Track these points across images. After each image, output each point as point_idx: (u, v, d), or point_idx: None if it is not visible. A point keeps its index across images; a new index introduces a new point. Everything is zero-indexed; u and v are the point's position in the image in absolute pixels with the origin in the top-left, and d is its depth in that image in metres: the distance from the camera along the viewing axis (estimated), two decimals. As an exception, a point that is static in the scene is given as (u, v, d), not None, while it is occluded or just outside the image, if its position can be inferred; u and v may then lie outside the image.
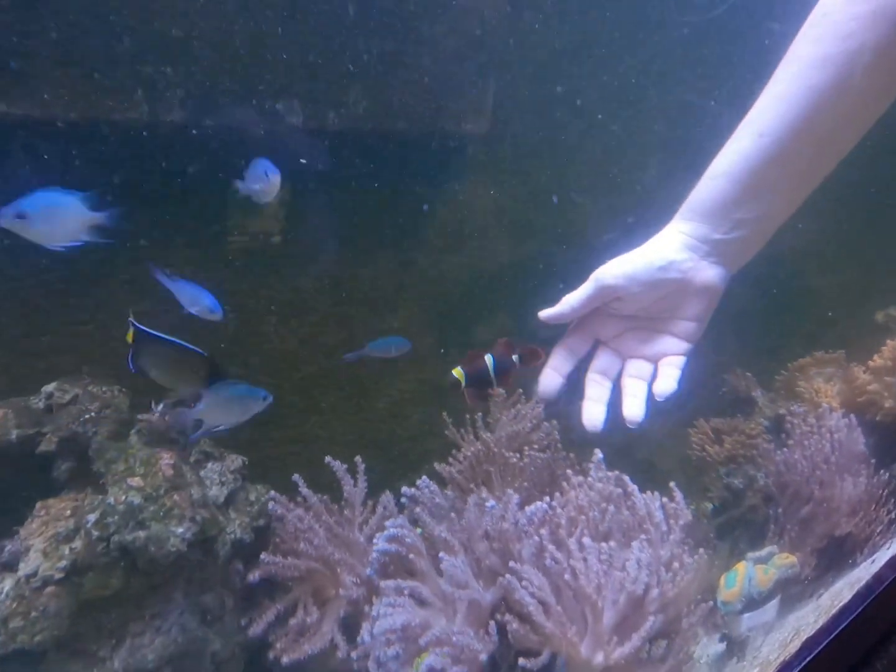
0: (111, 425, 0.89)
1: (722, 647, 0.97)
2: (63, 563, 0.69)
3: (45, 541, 0.71)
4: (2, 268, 1.06)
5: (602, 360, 0.57)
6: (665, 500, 0.90)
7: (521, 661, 0.76)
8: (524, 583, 0.82)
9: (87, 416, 0.89)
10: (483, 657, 0.76)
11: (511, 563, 0.84)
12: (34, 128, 0.96)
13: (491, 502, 0.94)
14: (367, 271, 1.41)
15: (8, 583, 0.73)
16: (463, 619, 0.85)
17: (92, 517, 0.71)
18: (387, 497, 1.05)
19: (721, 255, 0.53)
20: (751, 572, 0.95)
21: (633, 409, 0.53)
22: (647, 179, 1.42)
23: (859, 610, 0.45)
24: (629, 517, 0.90)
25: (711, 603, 0.90)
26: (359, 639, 0.81)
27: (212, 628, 0.78)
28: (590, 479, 0.99)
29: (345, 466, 1.03)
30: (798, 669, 0.44)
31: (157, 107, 1.04)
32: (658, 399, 0.54)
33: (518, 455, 1.13)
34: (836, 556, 1.02)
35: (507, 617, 0.81)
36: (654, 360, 0.56)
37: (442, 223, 1.47)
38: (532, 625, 0.79)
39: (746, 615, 0.95)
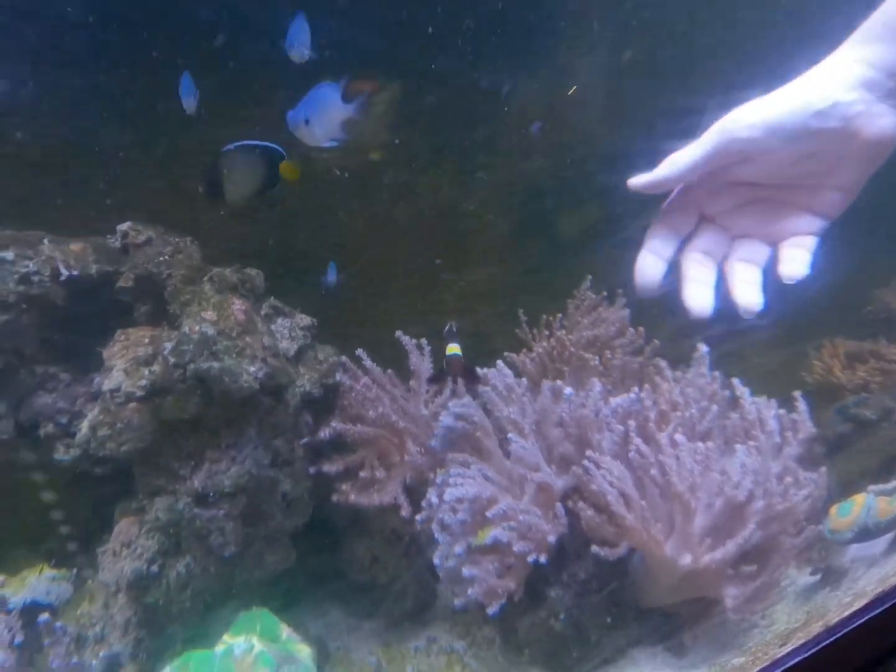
0: (184, 270, 0.87)
1: (813, 579, 0.87)
2: (143, 381, 0.70)
3: (126, 362, 0.72)
4: (85, 125, 1.02)
5: (705, 238, 0.42)
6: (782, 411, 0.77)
7: (594, 548, 0.71)
8: (602, 471, 0.74)
9: (161, 259, 0.87)
10: (551, 538, 0.71)
11: (588, 452, 0.76)
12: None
13: (568, 390, 0.85)
14: (441, 144, 1.25)
15: (98, 405, 0.76)
16: (530, 501, 0.80)
17: (169, 345, 0.70)
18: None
19: None
20: (871, 502, 0.82)
21: (749, 295, 0.39)
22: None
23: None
24: (736, 422, 0.78)
25: (821, 527, 0.79)
26: (424, 502, 0.79)
27: (282, 471, 0.79)
28: (689, 374, 0.87)
29: (414, 341, 0.98)
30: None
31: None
32: (786, 282, 0.39)
33: (598, 358, 1.01)
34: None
35: (581, 504, 0.75)
36: (773, 242, 0.41)
37: (531, 93, 1.25)
38: (610, 515, 0.73)
39: (854, 546, 0.84)
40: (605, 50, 1.22)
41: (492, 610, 0.65)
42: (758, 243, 0.41)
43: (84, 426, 0.76)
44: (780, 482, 0.73)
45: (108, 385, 0.70)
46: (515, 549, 0.67)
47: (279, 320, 0.88)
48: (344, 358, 0.94)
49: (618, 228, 1.40)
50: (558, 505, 0.73)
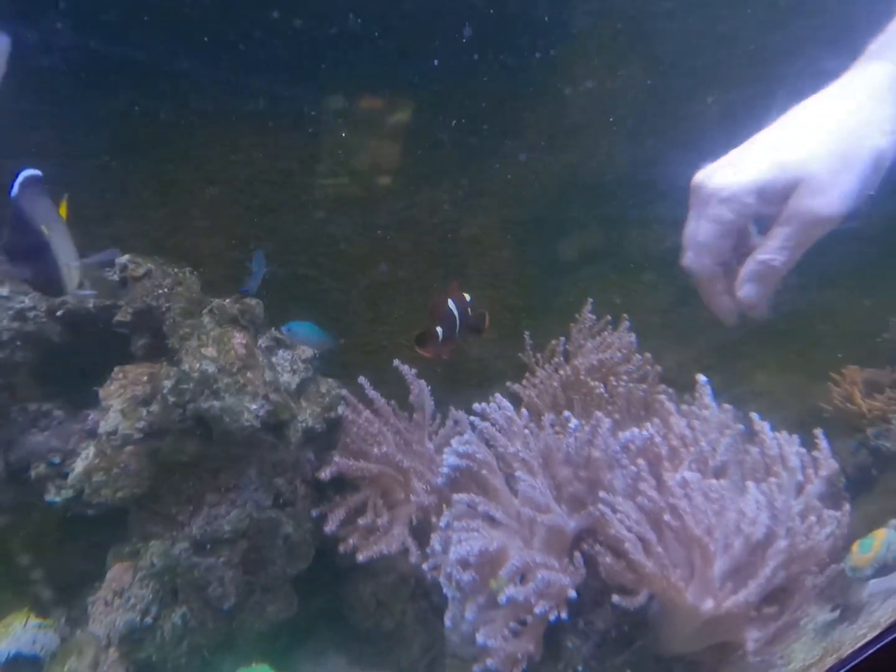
0: (184, 303, 0.85)
1: (832, 616, 0.84)
2: (141, 423, 0.67)
3: (124, 402, 0.70)
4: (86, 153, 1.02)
5: None
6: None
7: (615, 597, 0.67)
8: (619, 515, 0.72)
9: (160, 292, 0.85)
10: (572, 594, 0.68)
11: (602, 494, 0.74)
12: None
13: (574, 422, 0.82)
14: (441, 169, 1.25)
15: (93, 448, 0.73)
16: (541, 545, 0.77)
17: (168, 383, 0.68)
18: (459, 413, 0.98)
19: None
20: (892, 537, 0.80)
21: None
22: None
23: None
24: (755, 458, 0.75)
25: (842, 566, 0.76)
26: (428, 549, 0.76)
27: (284, 511, 0.76)
28: (694, 407, 0.85)
29: (414, 371, 0.95)
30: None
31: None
32: None
33: (603, 385, 0.99)
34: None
35: (598, 549, 0.72)
36: None
37: (540, 114, 1.24)
38: (628, 562, 0.70)
39: (872, 581, 0.81)
40: (610, 72, 1.22)
41: (513, 679, 0.62)
42: None
43: (77, 467, 0.73)
44: (804, 521, 0.70)
45: (104, 427, 0.68)
46: (536, 611, 0.64)
47: (280, 352, 0.86)
48: (345, 391, 0.92)
49: (617, 252, 1.40)
50: (577, 555, 0.70)
